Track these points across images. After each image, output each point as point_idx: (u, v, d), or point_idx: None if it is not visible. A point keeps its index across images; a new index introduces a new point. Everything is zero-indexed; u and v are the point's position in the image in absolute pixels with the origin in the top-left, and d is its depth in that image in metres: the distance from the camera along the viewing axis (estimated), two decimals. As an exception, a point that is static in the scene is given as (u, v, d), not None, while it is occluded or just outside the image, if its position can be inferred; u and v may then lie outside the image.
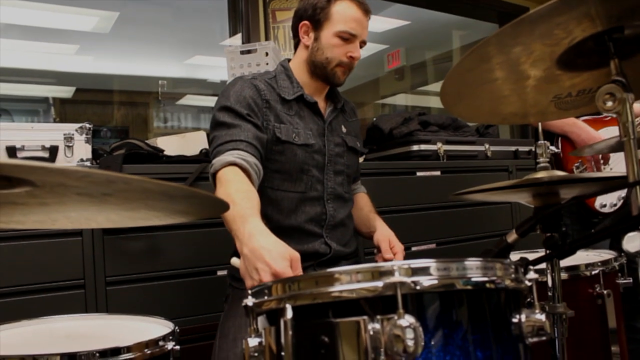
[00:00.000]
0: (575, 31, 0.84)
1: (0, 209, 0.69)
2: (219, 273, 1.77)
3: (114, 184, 0.63)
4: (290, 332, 0.65)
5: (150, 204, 0.75)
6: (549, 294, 1.09)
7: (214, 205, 0.83)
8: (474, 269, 0.69)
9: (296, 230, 1.41)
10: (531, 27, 0.82)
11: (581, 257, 1.46)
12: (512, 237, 0.97)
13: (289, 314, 0.65)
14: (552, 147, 1.31)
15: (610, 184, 1.11)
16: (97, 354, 0.88)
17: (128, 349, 0.91)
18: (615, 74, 0.85)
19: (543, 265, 1.09)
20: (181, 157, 1.88)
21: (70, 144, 1.67)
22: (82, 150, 1.69)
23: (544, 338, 0.72)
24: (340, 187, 1.50)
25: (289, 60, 1.55)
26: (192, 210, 0.84)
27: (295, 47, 1.55)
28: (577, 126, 2.00)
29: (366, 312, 0.64)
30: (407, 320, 0.61)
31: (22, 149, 1.61)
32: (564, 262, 1.21)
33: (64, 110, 4.06)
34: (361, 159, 1.82)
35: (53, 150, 1.64)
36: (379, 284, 0.64)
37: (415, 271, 0.65)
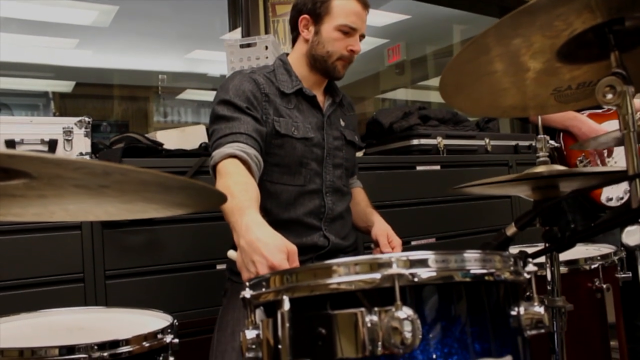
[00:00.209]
0: (575, 23, 0.83)
1: (-2, 201, 0.69)
2: (218, 267, 1.77)
3: (111, 175, 0.63)
4: (287, 324, 0.65)
5: (148, 196, 0.75)
6: (548, 287, 1.09)
7: (211, 197, 0.83)
8: (472, 261, 0.69)
9: (295, 223, 1.41)
10: (531, 18, 0.81)
11: (581, 251, 1.46)
12: (511, 230, 0.97)
13: (287, 306, 0.65)
14: (552, 142, 1.30)
15: (610, 177, 1.11)
16: (96, 347, 0.88)
17: (127, 342, 0.91)
18: (616, 67, 0.84)
19: (542, 260, 1.09)
20: (181, 151, 1.88)
21: (70, 138, 1.67)
22: (82, 144, 1.69)
23: (542, 330, 0.72)
24: (339, 180, 1.50)
25: (287, 54, 1.55)
26: (190, 202, 0.83)
27: (294, 40, 1.54)
28: (577, 119, 1.99)
29: (364, 304, 0.64)
30: (405, 312, 0.61)
31: (22, 142, 1.61)
32: (564, 256, 1.21)
33: (63, 105, 4.05)
34: (359, 154, 1.81)
35: (52, 144, 1.64)
36: (377, 276, 0.64)
37: (414, 263, 0.65)
